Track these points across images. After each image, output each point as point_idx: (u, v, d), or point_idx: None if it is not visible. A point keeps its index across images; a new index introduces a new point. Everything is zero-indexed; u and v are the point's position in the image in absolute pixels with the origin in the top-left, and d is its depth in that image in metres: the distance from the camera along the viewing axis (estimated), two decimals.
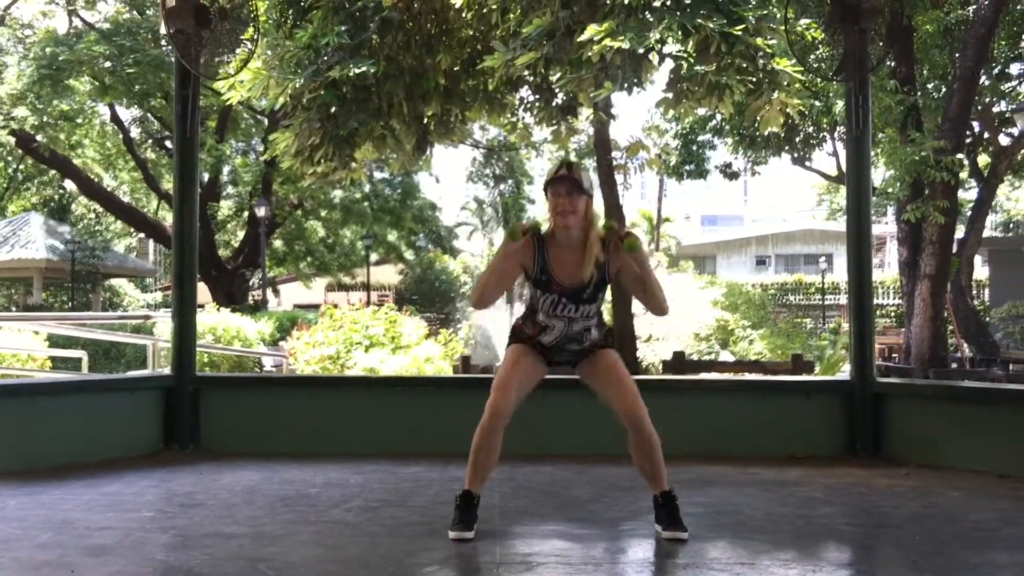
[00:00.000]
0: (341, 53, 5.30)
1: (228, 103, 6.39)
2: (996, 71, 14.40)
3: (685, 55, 4.70)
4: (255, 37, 5.35)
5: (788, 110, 5.04)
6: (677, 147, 17.32)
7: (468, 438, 3.43)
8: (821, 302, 29.77)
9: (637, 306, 16.47)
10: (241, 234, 25.21)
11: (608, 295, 3.56)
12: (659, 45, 4.56)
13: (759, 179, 18.14)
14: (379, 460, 4.84)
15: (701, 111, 5.52)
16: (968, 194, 17.47)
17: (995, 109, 15.33)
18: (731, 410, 5.25)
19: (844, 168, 6.42)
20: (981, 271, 22.80)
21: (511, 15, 5.29)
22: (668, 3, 4.70)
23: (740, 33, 4.53)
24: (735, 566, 3.04)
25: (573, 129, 6.23)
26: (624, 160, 11.74)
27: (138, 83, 18.14)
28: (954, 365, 12.86)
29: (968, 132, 13.63)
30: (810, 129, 15.56)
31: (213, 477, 4.47)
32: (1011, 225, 32.27)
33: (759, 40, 4.68)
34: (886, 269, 31.54)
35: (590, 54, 4.49)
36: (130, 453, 4.94)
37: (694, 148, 17.28)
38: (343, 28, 5.37)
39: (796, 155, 16.75)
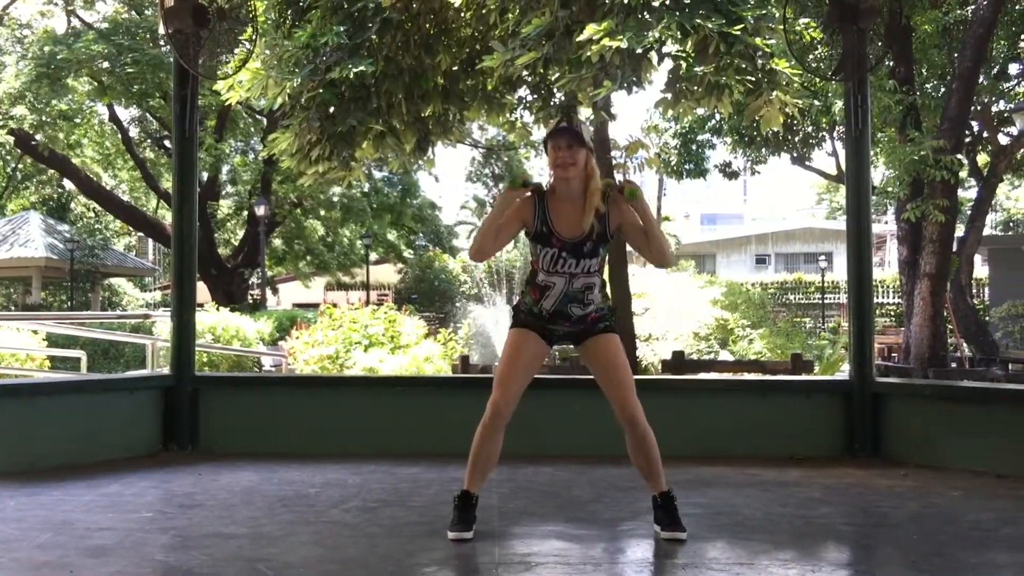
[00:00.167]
0: (340, 53, 5.29)
1: (227, 103, 6.38)
2: (995, 71, 14.39)
3: (684, 55, 4.69)
4: (253, 37, 5.35)
5: (787, 109, 5.04)
6: (676, 146, 17.32)
7: (467, 438, 3.43)
8: (821, 301, 29.77)
9: (637, 306, 16.47)
10: (241, 233, 25.21)
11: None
12: (658, 45, 4.55)
13: (759, 178, 18.20)
14: (378, 460, 4.84)
15: (700, 111, 5.51)
16: (968, 193, 17.49)
17: (994, 108, 15.34)
18: (730, 410, 5.25)
19: (844, 167, 6.42)
20: (981, 270, 22.80)
21: (510, 15, 5.28)
22: (667, 3, 4.69)
23: (739, 33, 4.52)
24: (734, 566, 3.04)
25: None
26: (623, 159, 11.74)
27: (137, 83, 18.14)
28: (953, 365, 12.86)
29: (967, 131, 13.65)
30: (809, 128, 15.57)
31: (212, 478, 4.47)
32: (1011, 224, 32.28)
33: (758, 40, 4.68)
34: (886, 268, 31.57)
35: (589, 54, 4.48)
36: (129, 453, 4.94)
37: (693, 147, 17.28)
38: (342, 28, 5.36)
39: (795, 154, 16.76)
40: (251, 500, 3.98)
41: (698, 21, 4.46)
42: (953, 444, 4.78)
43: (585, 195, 3.38)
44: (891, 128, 12.23)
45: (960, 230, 14.08)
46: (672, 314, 18.94)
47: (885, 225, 29.75)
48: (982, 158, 15.66)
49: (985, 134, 15.33)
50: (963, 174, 13.27)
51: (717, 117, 15.51)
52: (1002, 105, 15.44)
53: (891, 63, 11.82)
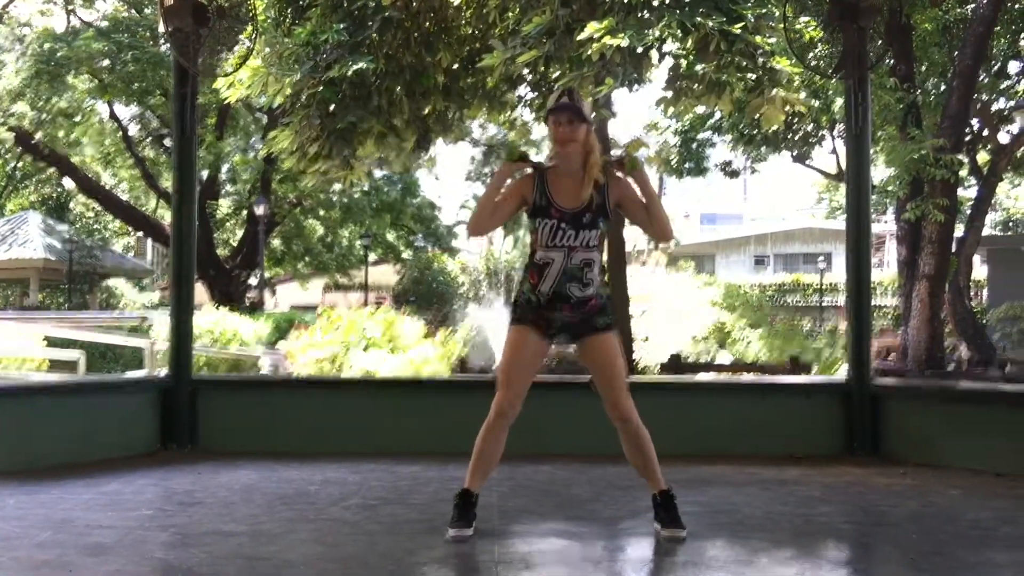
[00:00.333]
0: (340, 51, 5.30)
1: (226, 101, 6.38)
2: (995, 69, 14.39)
3: (684, 53, 4.70)
4: (253, 35, 5.34)
5: (788, 107, 5.04)
6: (677, 145, 17.31)
7: (466, 438, 3.43)
8: (819, 303, 29.76)
9: (635, 308, 16.45)
10: (240, 233, 25.18)
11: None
12: (659, 43, 4.56)
13: (759, 177, 18.18)
14: (377, 459, 4.83)
15: (700, 109, 5.50)
16: (968, 192, 17.48)
17: (994, 107, 15.34)
18: (730, 410, 5.25)
19: (844, 166, 6.41)
20: (980, 270, 22.80)
21: (510, 13, 5.29)
22: (667, 1, 4.71)
23: (739, 31, 4.53)
24: (734, 564, 3.04)
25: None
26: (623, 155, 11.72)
27: (137, 81, 18.12)
28: (951, 366, 12.84)
29: (967, 130, 13.64)
30: (809, 127, 15.56)
31: (212, 476, 4.47)
32: (1011, 224, 32.27)
33: (758, 38, 4.69)
34: (885, 268, 31.55)
35: (590, 52, 4.49)
36: (128, 453, 4.93)
37: (694, 146, 17.27)
38: (342, 26, 5.37)
39: (796, 153, 16.76)
40: (251, 498, 3.97)
41: (699, 19, 4.47)
42: (952, 443, 4.78)
43: (584, 168, 3.38)
44: (891, 126, 12.23)
45: (960, 230, 14.07)
46: (670, 315, 18.93)
47: (885, 224, 29.74)
48: (982, 156, 15.66)
49: (985, 132, 15.33)
50: (963, 173, 13.27)
51: (717, 115, 15.50)
52: (1002, 103, 15.44)
53: (891, 61, 11.82)
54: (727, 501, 3.97)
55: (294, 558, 3.07)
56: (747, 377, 9.10)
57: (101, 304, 26.83)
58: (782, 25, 4.95)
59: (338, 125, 5.37)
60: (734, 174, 17.90)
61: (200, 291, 18.55)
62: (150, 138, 23.61)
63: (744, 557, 3.14)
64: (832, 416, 5.13)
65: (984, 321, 17.00)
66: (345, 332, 11.32)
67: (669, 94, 4.94)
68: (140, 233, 29.61)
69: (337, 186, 22.64)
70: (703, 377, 8.90)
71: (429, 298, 27.87)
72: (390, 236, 27.63)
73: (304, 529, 3.44)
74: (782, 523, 3.62)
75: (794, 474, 4.54)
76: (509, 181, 3.52)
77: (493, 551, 3.16)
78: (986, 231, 19.88)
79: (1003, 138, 15.02)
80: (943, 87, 13.64)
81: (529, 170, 3.48)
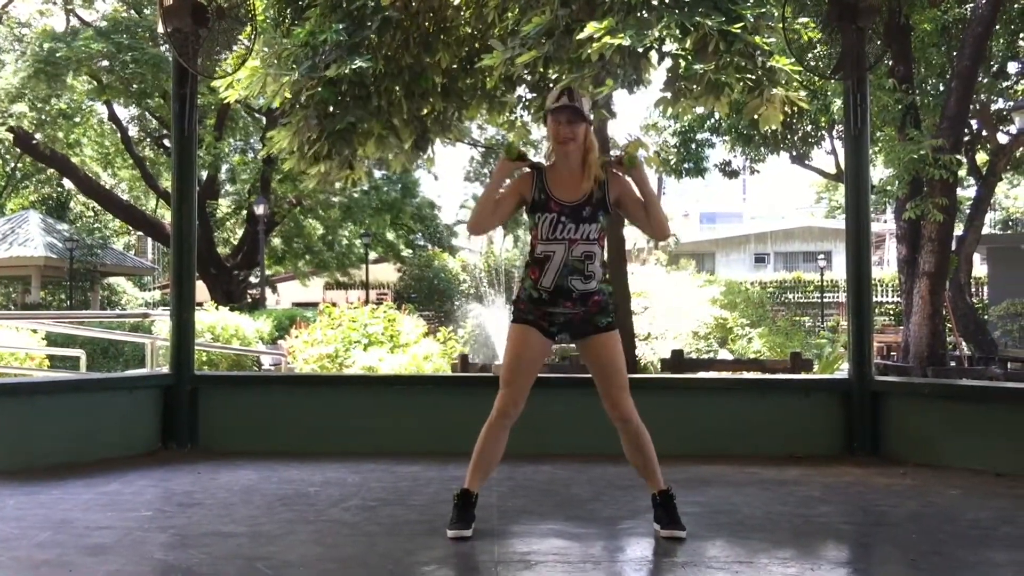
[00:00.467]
0: (339, 51, 5.30)
1: (225, 101, 6.38)
2: (994, 69, 14.41)
3: (683, 53, 4.70)
4: (252, 35, 5.34)
5: (787, 107, 5.04)
6: (676, 145, 17.32)
7: (467, 437, 3.43)
8: (820, 300, 29.78)
9: (636, 305, 16.47)
10: (240, 232, 25.20)
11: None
12: (658, 43, 4.56)
13: (758, 177, 18.17)
14: (377, 459, 4.83)
15: (699, 109, 5.50)
16: (967, 192, 17.49)
17: (993, 107, 15.35)
18: (729, 409, 5.25)
19: (843, 166, 6.42)
20: (980, 269, 22.81)
21: (509, 13, 5.28)
22: (667, 1, 4.70)
23: (739, 31, 4.52)
24: (733, 564, 3.04)
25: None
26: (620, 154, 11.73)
27: (136, 82, 18.11)
28: (952, 364, 12.87)
29: (966, 130, 13.65)
30: (808, 127, 15.58)
31: (211, 476, 4.47)
32: (1010, 223, 32.28)
33: (757, 38, 4.68)
34: (885, 267, 31.58)
35: (590, 52, 4.48)
36: (128, 452, 4.94)
37: (693, 146, 17.28)
38: (341, 26, 5.36)
39: (795, 153, 16.77)
40: (250, 499, 3.98)
41: (698, 19, 4.46)
42: (952, 443, 4.78)
43: (583, 166, 3.40)
44: (890, 127, 12.24)
45: (959, 229, 14.08)
46: (671, 313, 18.94)
47: (884, 224, 29.76)
48: (981, 157, 15.67)
49: (984, 133, 15.34)
50: (962, 173, 13.28)
51: (716, 116, 15.52)
52: (1001, 104, 15.45)
53: (890, 62, 11.83)
54: (727, 501, 3.98)
55: (294, 559, 3.07)
56: (747, 376, 9.09)
57: (103, 302, 26.86)
58: (781, 25, 4.95)
59: (338, 126, 5.36)
60: (733, 174, 17.90)
61: (201, 289, 18.55)
62: (149, 139, 23.63)
63: (744, 557, 3.14)
64: (832, 416, 5.13)
65: (985, 318, 17.02)
66: (346, 330, 11.33)
67: (668, 95, 4.94)
68: (140, 232, 29.61)
69: (338, 185, 22.68)
70: (703, 375, 8.89)
71: (430, 296, 27.90)
72: (390, 235, 27.64)
73: (304, 530, 3.45)
74: (782, 523, 3.62)
75: (794, 474, 4.54)
76: (508, 181, 3.53)
77: (493, 551, 3.17)
78: (985, 230, 19.89)
79: (1002, 138, 15.03)
80: (942, 88, 13.63)
81: (527, 169, 3.50)
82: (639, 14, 4.63)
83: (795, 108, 5.18)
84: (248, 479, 4.40)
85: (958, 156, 11.59)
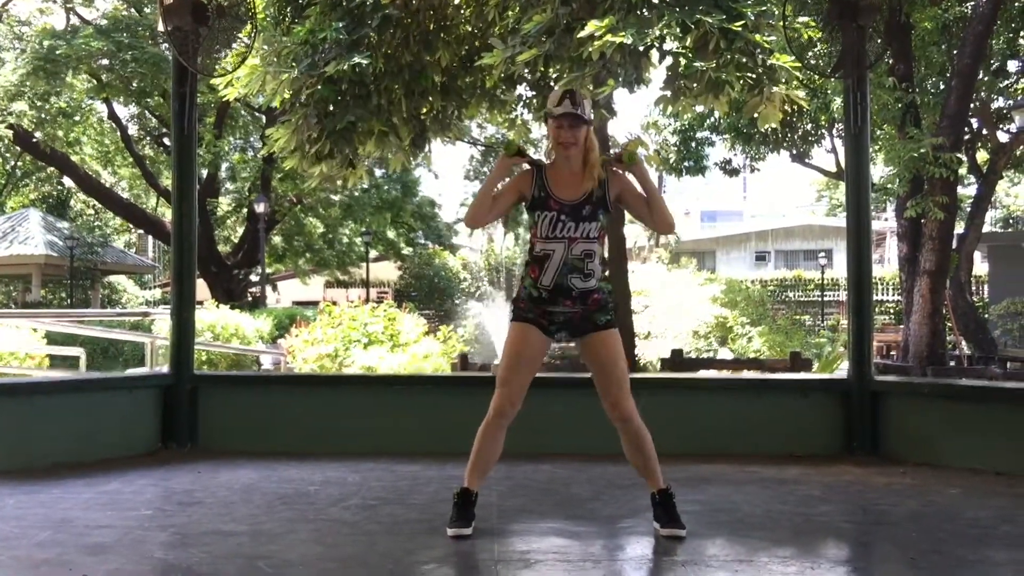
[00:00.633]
0: (338, 49, 5.29)
1: (225, 99, 6.38)
2: (994, 68, 14.40)
3: (683, 51, 4.69)
4: (252, 33, 5.34)
5: (787, 106, 5.03)
6: (676, 144, 17.32)
7: (467, 437, 3.43)
8: (820, 298, 29.77)
9: (637, 303, 16.48)
10: (240, 230, 25.20)
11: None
12: (659, 41, 4.56)
13: (758, 175, 18.21)
14: (377, 459, 4.83)
15: (699, 108, 5.50)
16: (967, 190, 17.48)
17: (993, 105, 15.34)
18: (729, 408, 5.24)
19: (843, 164, 6.41)
20: (980, 267, 22.81)
21: (510, 12, 5.28)
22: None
23: (739, 29, 4.52)
24: (733, 563, 3.04)
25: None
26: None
27: (136, 80, 18.11)
28: (952, 363, 12.86)
29: (967, 128, 13.65)
30: (808, 126, 15.57)
31: (211, 475, 4.47)
32: (1010, 221, 32.27)
33: (758, 36, 4.68)
34: (886, 265, 31.55)
35: (590, 50, 4.48)
36: (128, 452, 4.93)
37: (693, 145, 17.28)
38: (340, 24, 5.36)
39: (795, 152, 16.76)
40: (250, 498, 3.98)
41: (699, 17, 4.46)
42: (952, 442, 4.78)
43: (584, 166, 3.41)
44: (890, 125, 12.24)
45: (960, 227, 14.08)
46: (671, 311, 18.96)
47: (885, 222, 29.74)
48: (981, 155, 15.66)
49: (984, 131, 15.34)
50: (962, 171, 13.28)
51: (716, 114, 15.53)
52: (1001, 102, 15.44)
53: (890, 60, 11.83)
54: (727, 500, 3.98)
55: (294, 558, 3.07)
56: (747, 375, 9.10)
57: (103, 300, 26.87)
58: (781, 23, 4.94)
59: (338, 125, 5.36)
60: (733, 173, 17.90)
61: (201, 288, 18.55)
62: (149, 137, 23.63)
63: (744, 556, 3.14)
64: (832, 415, 5.12)
65: (986, 317, 17.02)
66: (346, 329, 11.32)
67: (668, 93, 4.93)
68: (141, 231, 29.62)
69: (339, 183, 22.67)
70: (703, 374, 8.89)
71: (430, 294, 27.91)
72: (390, 233, 27.65)
73: (304, 529, 3.45)
74: (782, 522, 3.62)
75: (794, 473, 4.54)
76: (507, 179, 3.53)
77: (492, 550, 3.17)
78: (986, 228, 19.89)
79: (1002, 137, 15.03)
80: (942, 86, 13.63)
81: (527, 166, 3.50)
82: (640, 12, 4.63)
83: (795, 106, 5.17)
84: (248, 478, 4.40)
85: (958, 154, 11.60)
